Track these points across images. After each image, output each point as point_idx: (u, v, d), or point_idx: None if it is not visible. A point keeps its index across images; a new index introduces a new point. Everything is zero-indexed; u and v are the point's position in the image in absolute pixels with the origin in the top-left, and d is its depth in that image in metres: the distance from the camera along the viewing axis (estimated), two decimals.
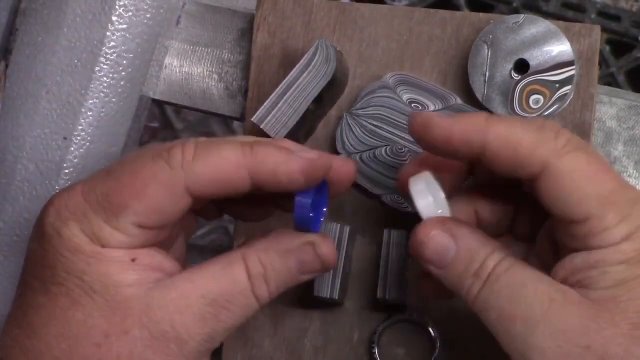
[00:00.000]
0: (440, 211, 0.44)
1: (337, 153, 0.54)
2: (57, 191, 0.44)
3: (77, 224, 0.42)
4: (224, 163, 0.42)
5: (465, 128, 0.42)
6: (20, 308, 0.43)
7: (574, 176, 0.40)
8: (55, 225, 0.42)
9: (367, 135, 0.54)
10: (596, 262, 0.40)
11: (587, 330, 0.39)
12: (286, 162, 0.43)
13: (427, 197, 0.44)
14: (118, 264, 0.41)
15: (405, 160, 0.53)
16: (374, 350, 0.52)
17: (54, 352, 0.41)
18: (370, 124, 0.54)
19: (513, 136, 0.41)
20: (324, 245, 0.45)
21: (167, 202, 0.42)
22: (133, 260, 0.42)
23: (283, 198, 0.47)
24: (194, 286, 0.42)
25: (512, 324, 0.40)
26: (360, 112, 0.54)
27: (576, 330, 0.39)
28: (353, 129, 0.54)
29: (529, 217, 0.46)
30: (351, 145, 0.54)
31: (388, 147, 0.53)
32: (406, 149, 0.53)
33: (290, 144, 0.45)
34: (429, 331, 0.52)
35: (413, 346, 0.53)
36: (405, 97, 0.54)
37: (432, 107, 0.53)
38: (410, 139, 0.53)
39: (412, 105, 0.53)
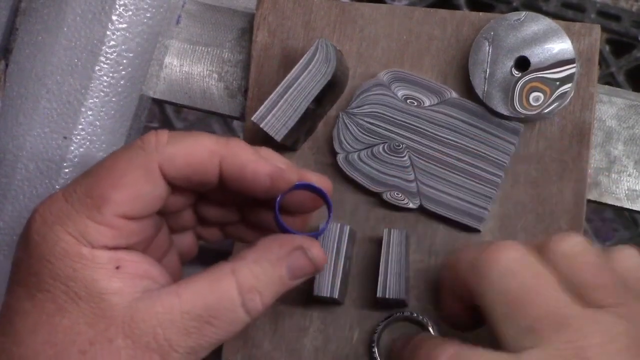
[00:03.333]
0: None
1: (336, 152, 0.54)
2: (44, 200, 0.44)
3: (61, 227, 0.42)
4: (198, 148, 0.43)
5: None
6: (6, 316, 0.43)
7: (493, 309, 0.41)
8: (41, 231, 0.42)
9: (364, 134, 0.54)
10: None
11: None
12: (256, 162, 0.44)
13: None
14: (103, 270, 0.41)
15: (403, 157, 0.53)
16: (373, 350, 0.52)
17: (40, 359, 0.41)
18: (366, 122, 0.54)
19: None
20: (313, 248, 0.45)
21: (144, 186, 0.42)
22: (117, 268, 0.42)
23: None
24: (180, 301, 0.42)
25: None
26: (356, 110, 0.54)
27: None
28: (350, 127, 0.54)
29: None
30: (349, 144, 0.54)
31: (386, 145, 0.53)
32: (404, 145, 0.53)
33: (268, 152, 0.46)
34: (429, 330, 0.52)
35: None
36: (400, 93, 0.54)
37: (427, 102, 0.54)
38: (408, 135, 0.53)
39: (408, 101, 0.54)
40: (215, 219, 0.50)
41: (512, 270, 0.41)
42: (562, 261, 0.42)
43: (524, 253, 0.42)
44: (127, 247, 0.43)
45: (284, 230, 0.46)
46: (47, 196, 0.44)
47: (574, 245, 0.42)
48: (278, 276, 0.44)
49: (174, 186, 0.44)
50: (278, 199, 0.46)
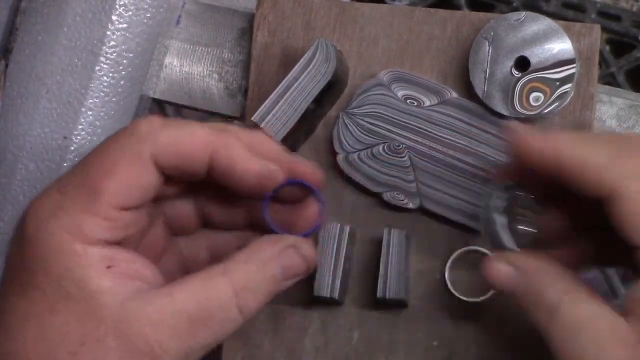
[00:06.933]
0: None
1: (336, 153, 0.54)
2: (37, 195, 0.44)
3: (56, 221, 0.41)
4: (191, 137, 0.43)
5: (543, 142, 0.43)
6: None
7: (630, 204, 0.40)
8: (35, 226, 0.42)
9: (364, 134, 0.54)
10: None
11: None
12: (246, 160, 0.44)
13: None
14: (95, 269, 0.41)
15: (403, 157, 0.53)
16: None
17: (29, 355, 0.41)
18: (366, 122, 0.54)
19: (582, 154, 0.41)
20: (305, 246, 0.45)
21: (137, 174, 0.42)
22: (109, 267, 0.41)
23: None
24: (171, 301, 0.41)
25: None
26: (356, 110, 0.54)
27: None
28: (350, 128, 0.54)
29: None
30: (348, 144, 0.54)
31: (385, 145, 0.53)
32: (404, 145, 0.53)
33: (262, 138, 0.45)
34: None
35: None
36: (400, 93, 0.54)
37: (427, 103, 0.54)
38: (408, 135, 0.53)
39: (407, 101, 0.54)
40: (220, 221, 0.49)
41: None
42: None
43: None
44: (122, 240, 0.43)
45: (273, 230, 0.46)
46: (42, 190, 0.43)
47: None
48: (271, 275, 0.44)
49: (166, 175, 0.44)
50: (266, 199, 0.46)
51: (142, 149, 0.42)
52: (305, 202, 0.48)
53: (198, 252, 0.50)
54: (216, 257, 0.49)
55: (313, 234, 0.50)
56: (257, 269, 0.43)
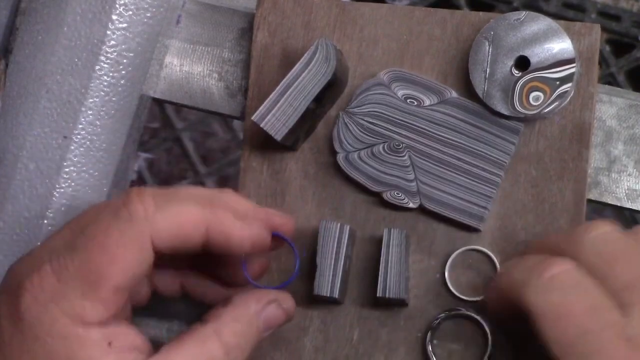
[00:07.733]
0: None
1: (336, 152, 0.54)
2: (24, 270, 0.44)
3: (56, 306, 0.42)
4: (185, 217, 0.45)
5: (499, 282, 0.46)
6: None
7: (543, 319, 0.42)
8: (33, 310, 0.42)
9: (364, 133, 0.54)
10: None
11: None
12: (241, 229, 0.46)
13: None
14: (98, 349, 0.42)
15: (403, 156, 0.53)
16: (428, 347, 0.52)
17: None
18: (366, 121, 0.54)
19: (508, 280, 0.45)
20: (287, 300, 0.49)
21: (139, 259, 0.43)
22: (110, 344, 0.43)
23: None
24: None
25: None
26: (356, 110, 0.54)
27: None
28: (350, 127, 0.54)
29: None
30: (349, 143, 0.54)
31: (386, 144, 0.53)
32: (404, 144, 0.53)
33: (238, 199, 0.47)
34: (483, 328, 0.52)
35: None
36: (400, 93, 0.54)
37: (427, 102, 0.54)
38: (408, 134, 0.53)
39: (408, 100, 0.54)
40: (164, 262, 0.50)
41: (558, 285, 0.42)
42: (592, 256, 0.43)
43: (572, 267, 0.43)
44: (115, 315, 0.44)
45: (252, 284, 0.49)
46: (32, 267, 0.44)
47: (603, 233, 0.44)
48: (255, 329, 0.46)
49: (160, 253, 0.45)
50: (244, 260, 0.48)
51: (142, 235, 0.43)
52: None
53: (141, 289, 0.51)
54: (157, 289, 0.51)
55: (313, 235, 0.52)
56: (244, 326, 0.46)
